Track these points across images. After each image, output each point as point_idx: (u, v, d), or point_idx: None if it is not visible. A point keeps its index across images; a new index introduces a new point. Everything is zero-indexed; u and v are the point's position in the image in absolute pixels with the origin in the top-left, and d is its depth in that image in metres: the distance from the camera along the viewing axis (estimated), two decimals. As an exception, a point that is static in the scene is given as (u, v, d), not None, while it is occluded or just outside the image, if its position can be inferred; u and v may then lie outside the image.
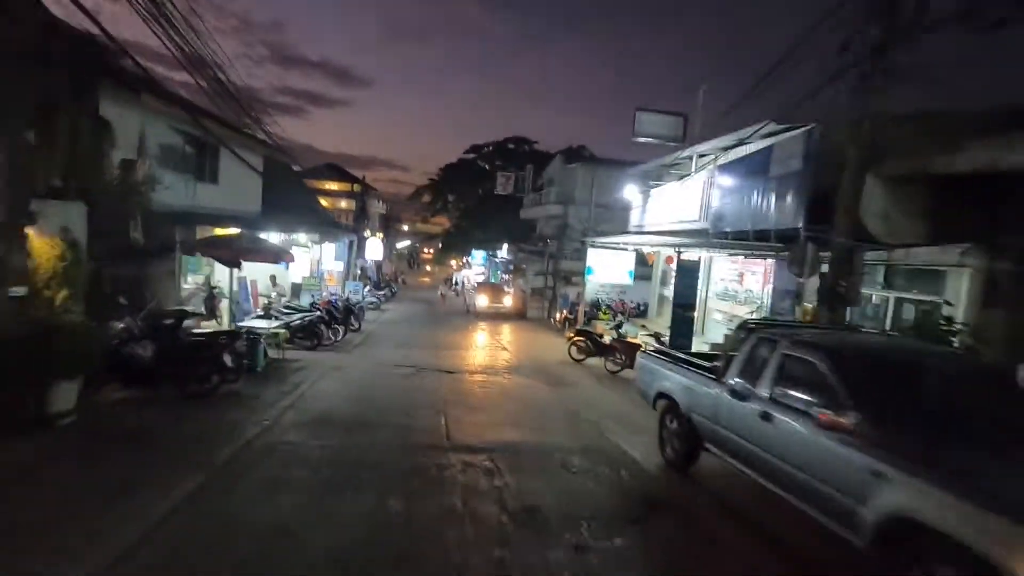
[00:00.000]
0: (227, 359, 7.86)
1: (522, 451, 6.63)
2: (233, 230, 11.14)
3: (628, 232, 18.36)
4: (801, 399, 4.39)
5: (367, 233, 35.60)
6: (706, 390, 5.69)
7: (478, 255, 48.31)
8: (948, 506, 3.10)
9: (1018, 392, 4.60)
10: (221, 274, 11.16)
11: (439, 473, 5.73)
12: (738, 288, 12.93)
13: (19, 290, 6.19)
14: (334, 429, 6.95)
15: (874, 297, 8.76)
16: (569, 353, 13.80)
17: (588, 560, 4.20)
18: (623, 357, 12.12)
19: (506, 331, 19.78)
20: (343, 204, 49.15)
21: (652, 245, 15.99)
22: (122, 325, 7.41)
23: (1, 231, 5.68)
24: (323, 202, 32.82)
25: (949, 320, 6.82)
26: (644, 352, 8.01)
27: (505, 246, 40.01)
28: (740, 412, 5.04)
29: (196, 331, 8.69)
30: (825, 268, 7.26)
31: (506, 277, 36.06)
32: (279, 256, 11.30)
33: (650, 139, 16.73)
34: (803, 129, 9.18)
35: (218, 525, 4.35)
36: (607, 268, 18.46)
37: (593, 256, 18.53)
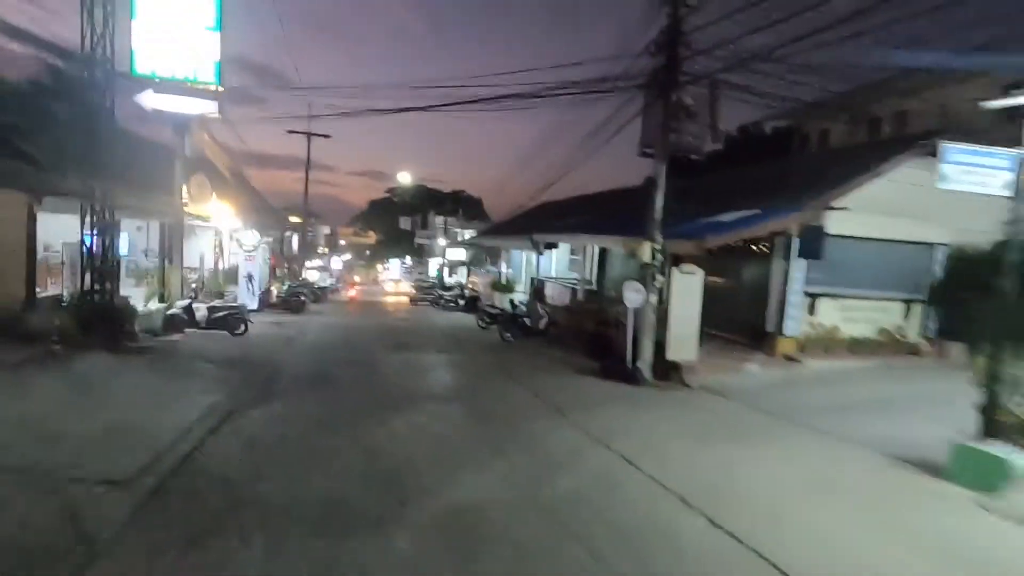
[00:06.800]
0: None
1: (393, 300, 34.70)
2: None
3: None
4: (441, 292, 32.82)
5: (324, 250, 62.33)
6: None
7: (395, 263, 75.54)
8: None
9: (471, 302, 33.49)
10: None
11: (378, 296, 33.60)
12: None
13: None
14: (350, 304, 34.60)
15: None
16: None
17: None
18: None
19: (396, 297, 47.57)
20: (300, 230, 75.02)
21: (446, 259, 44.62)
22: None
23: (291, 272, 32.95)
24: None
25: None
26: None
27: (408, 257, 67.77)
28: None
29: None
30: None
31: (405, 276, 63.98)
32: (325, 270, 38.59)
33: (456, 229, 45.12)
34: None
35: (337, 305, 32.12)
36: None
37: (432, 264, 46.64)
